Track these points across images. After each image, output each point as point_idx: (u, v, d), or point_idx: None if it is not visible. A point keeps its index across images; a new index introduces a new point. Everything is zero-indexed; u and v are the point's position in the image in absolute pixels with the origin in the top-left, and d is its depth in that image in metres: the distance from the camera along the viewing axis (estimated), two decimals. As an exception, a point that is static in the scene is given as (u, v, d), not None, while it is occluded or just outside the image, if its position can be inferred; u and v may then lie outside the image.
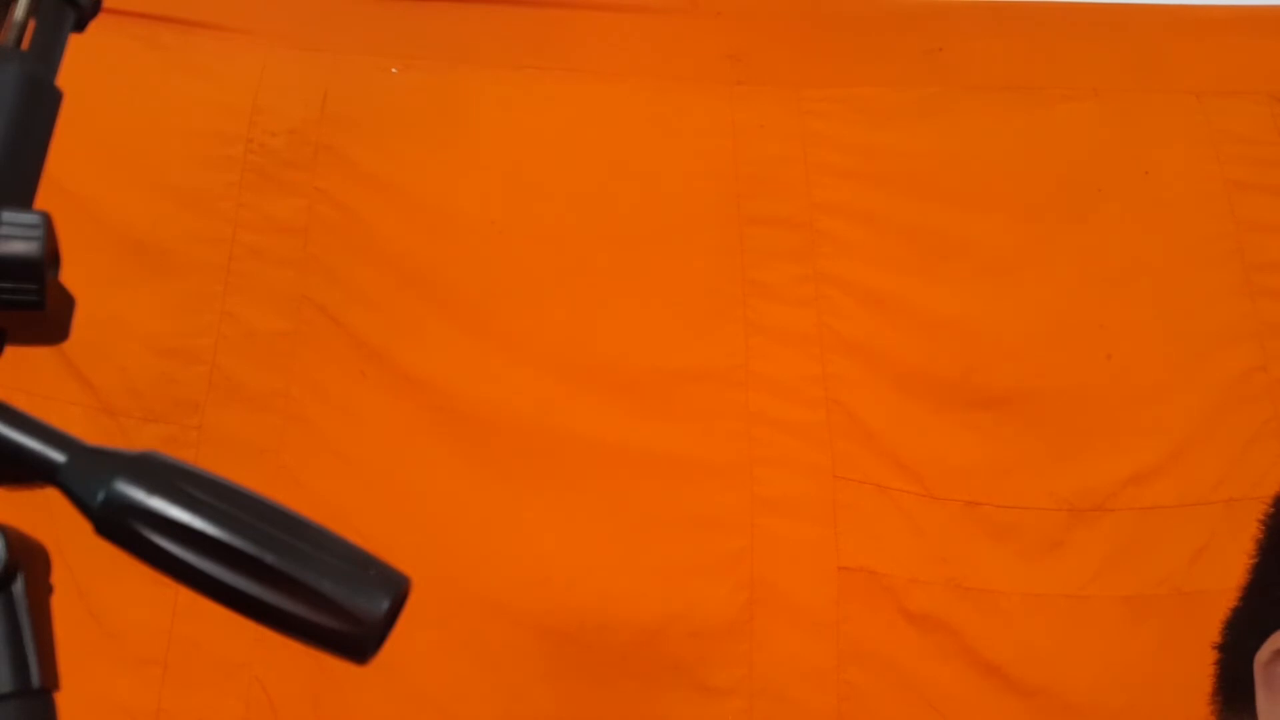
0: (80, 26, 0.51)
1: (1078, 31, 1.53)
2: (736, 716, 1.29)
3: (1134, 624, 1.31)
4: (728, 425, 1.38)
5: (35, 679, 0.39)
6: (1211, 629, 0.58)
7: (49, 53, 0.48)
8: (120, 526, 0.39)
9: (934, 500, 1.36)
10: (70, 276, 0.44)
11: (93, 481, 0.39)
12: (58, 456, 0.40)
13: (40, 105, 0.46)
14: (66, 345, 0.48)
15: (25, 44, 0.48)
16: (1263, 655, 0.51)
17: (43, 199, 0.45)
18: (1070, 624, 1.32)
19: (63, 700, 0.40)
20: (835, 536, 1.34)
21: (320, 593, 0.39)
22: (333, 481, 1.36)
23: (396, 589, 0.40)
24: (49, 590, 0.42)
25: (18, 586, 0.40)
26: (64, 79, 0.48)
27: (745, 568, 1.33)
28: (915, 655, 1.31)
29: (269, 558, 0.39)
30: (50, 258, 0.42)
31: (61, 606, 0.41)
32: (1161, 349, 1.41)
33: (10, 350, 0.44)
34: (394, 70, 1.52)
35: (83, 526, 0.39)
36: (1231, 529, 1.32)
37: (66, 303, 0.44)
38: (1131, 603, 1.31)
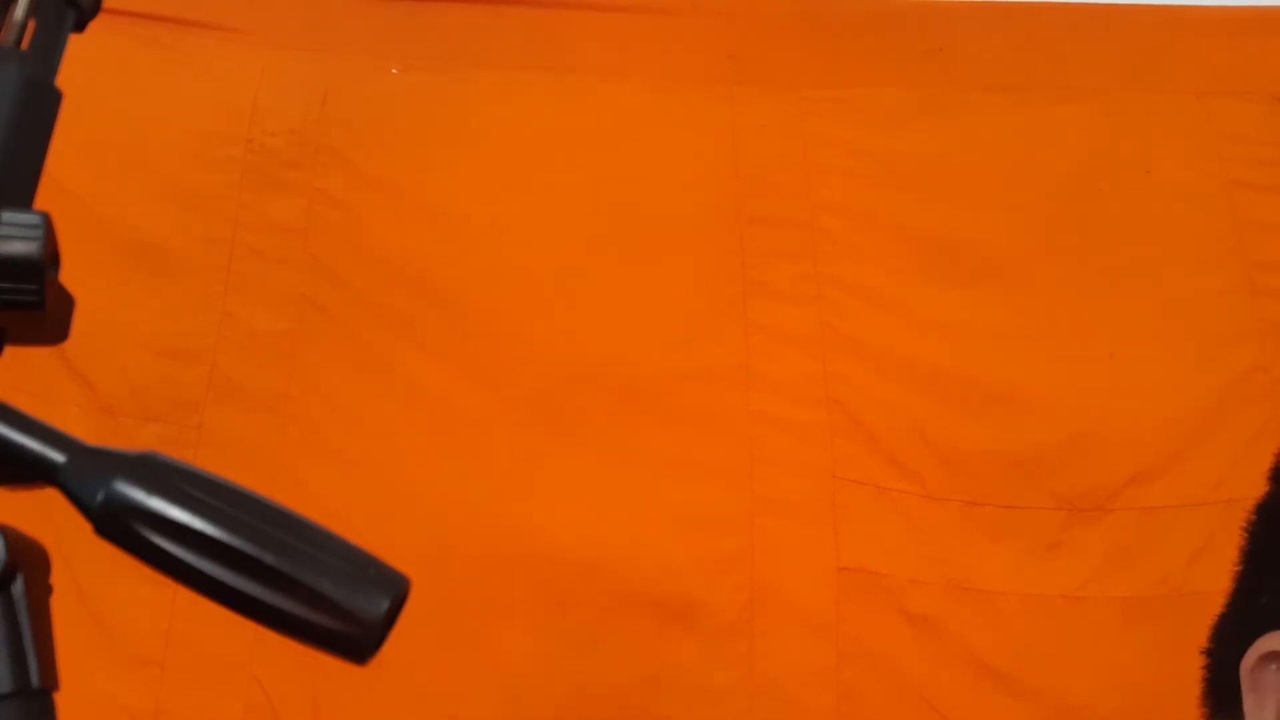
0: (80, 26, 0.51)
1: (1078, 31, 1.53)
2: (736, 717, 1.29)
3: (1132, 625, 1.31)
4: (728, 425, 1.38)
5: (35, 679, 0.39)
6: (1209, 631, 0.58)
7: (49, 53, 0.48)
8: (120, 527, 0.39)
9: (934, 500, 1.35)
10: (70, 276, 0.44)
11: (92, 482, 0.39)
12: (57, 457, 0.40)
13: (40, 105, 0.46)
14: (66, 345, 0.48)
15: (25, 44, 0.48)
16: (1248, 661, 0.51)
17: (43, 199, 0.45)
18: (1068, 625, 1.32)
19: (62, 700, 0.40)
20: (835, 537, 1.34)
21: (320, 593, 0.39)
22: (333, 481, 1.36)
23: (396, 589, 0.40)
24: (49, 590, 0.42)
25: (17, 587, 0.40)
26: (64, 79, 0.48)
27: (745, 568, 1.33)
28: (915, 655, 1.31)
29: (269, 558, 0.39)
30: (50, 258, 0.42)
31: (61, 606, 0.41)
32: (1162, 349, 1.41)
33: (10, 350, 0.44)
34: (394, 70, 1.52)
35: (83, 526, 0.39)
36: (1231, 530, 1.30)
37: (66, 303, 0.44)
38: (1130, 603, 1.31)
